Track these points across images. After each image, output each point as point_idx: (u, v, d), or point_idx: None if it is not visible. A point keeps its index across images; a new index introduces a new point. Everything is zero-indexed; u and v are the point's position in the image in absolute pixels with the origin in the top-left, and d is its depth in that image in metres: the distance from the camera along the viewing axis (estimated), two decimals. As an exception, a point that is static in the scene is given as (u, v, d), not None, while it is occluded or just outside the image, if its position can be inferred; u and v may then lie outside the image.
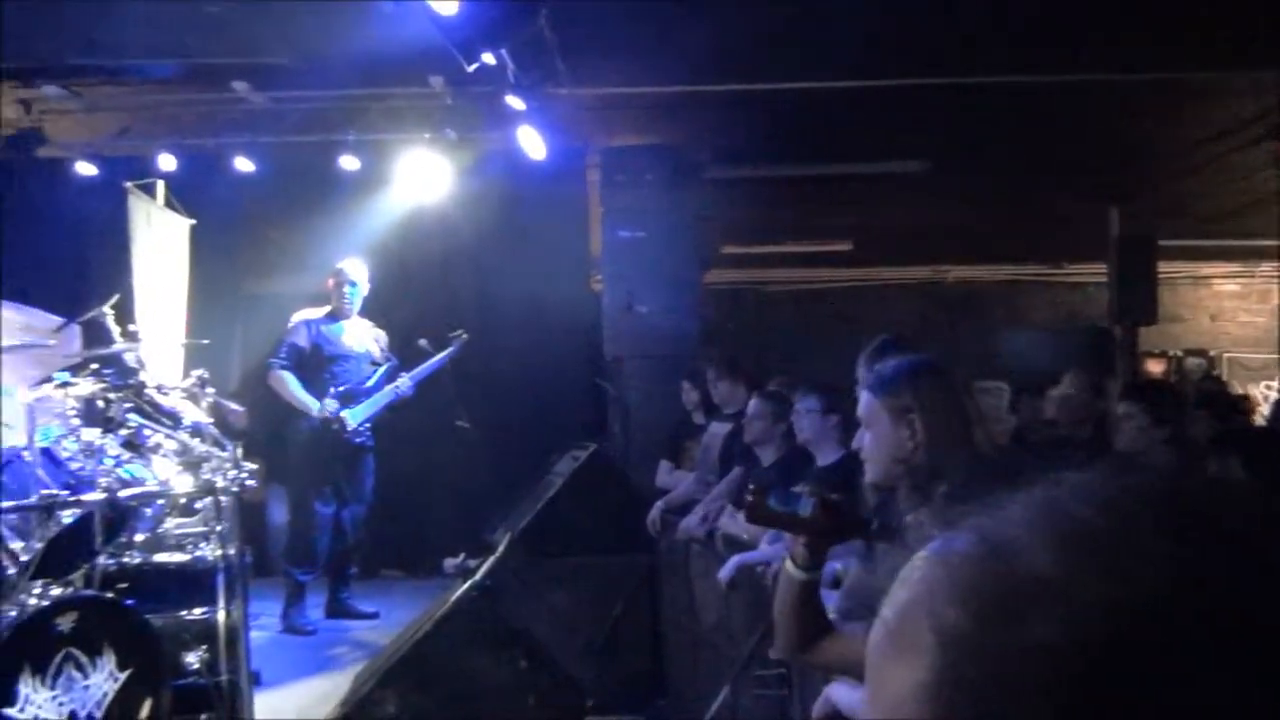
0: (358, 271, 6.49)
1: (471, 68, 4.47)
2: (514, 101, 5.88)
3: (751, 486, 2.28)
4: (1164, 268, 9.85)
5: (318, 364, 6.34)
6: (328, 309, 6.47)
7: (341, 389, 6.29)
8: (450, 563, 6.10)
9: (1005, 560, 0.53)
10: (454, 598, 4.49)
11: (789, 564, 2.21)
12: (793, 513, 2.18)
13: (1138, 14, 5.30)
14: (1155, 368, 11.79)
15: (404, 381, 6.43)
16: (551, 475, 6.15)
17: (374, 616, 6.46)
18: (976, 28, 5.38)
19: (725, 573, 4.25)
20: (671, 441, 6.41)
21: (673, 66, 6.10)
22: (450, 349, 6.50)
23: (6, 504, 3.84)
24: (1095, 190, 8.83)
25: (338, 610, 6.49)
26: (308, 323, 6.41)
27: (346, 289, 6.42)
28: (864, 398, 2.36)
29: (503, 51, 4.98)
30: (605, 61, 6.07)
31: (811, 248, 11.04)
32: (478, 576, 4.51)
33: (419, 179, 7.28)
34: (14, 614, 3.38)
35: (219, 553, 4.13)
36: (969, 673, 0.51)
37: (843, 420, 3.95)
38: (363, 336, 6.50)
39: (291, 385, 6.26)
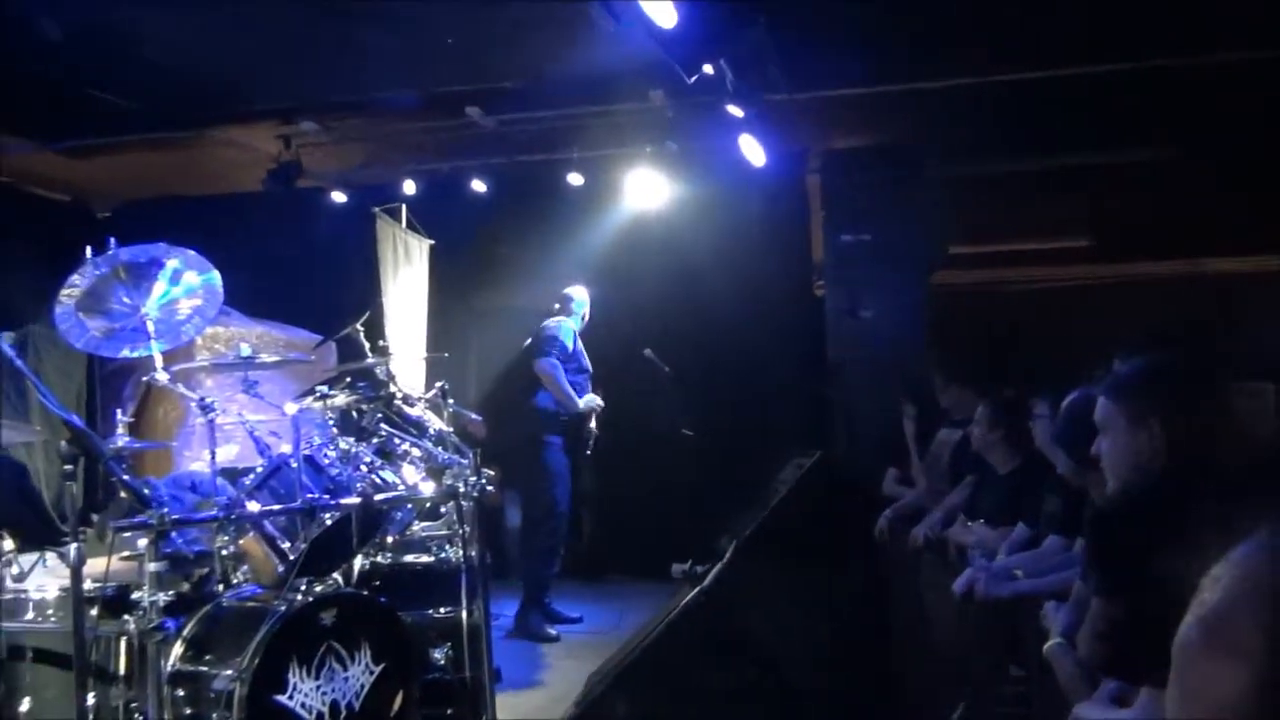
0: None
1: (692, 79, 4.51)
2: (734, 110, 5.90)
3: None
4: None
5: (576, 372, 6.68)
6: (562, 318, 6.78)
7: (584, 399, 6.60)
8: (678, 568, 6.15)
9: None
10: (682, 604, 4.54)
11: None
12: None
13: None
14: None
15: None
16: (776, 483, 6.10)
17: (577, 621, 6.62)
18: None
19: (961, 584, 4.10)
20: (897, 448, 6.25)
21: (892, 63, 5.95)
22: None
23: (275, 507, 4.19)
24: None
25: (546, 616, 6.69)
26: (575, 332, 6.78)
27: (586, 311, 6.87)
28: (1100, 402, 2.25)
29: (721, 61, 5.01)
30: (823, 63, 5.98)
31: (1047, 245, 10.48)
32: (705, 583, 4.53)
33: (642, 191, 7.42)
34: (283, 608, 3.66)
35: (462, 555, 4.34)
36: None
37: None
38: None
39: (561, 376, 6.58)
